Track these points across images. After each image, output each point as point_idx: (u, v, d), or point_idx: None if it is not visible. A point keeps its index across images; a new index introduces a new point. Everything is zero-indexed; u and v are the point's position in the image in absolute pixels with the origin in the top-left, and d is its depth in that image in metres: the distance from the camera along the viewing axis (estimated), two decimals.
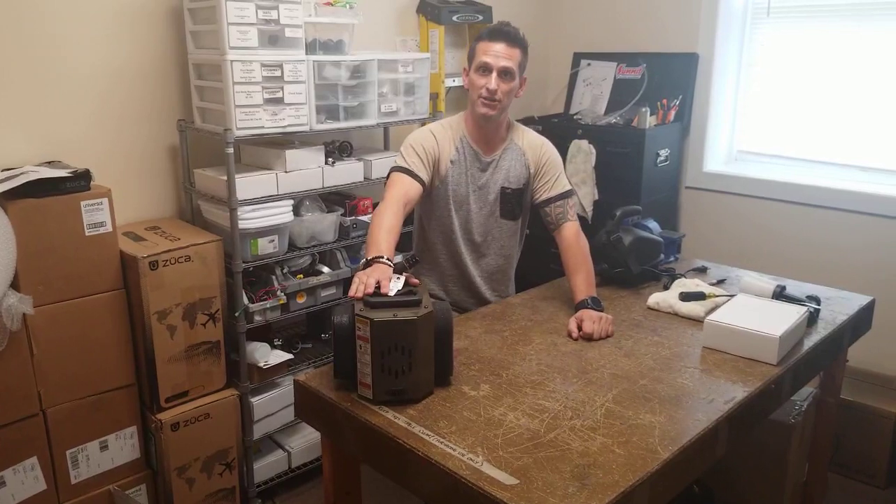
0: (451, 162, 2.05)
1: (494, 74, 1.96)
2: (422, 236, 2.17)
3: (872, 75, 2.83)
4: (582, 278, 1.99)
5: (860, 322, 2.10)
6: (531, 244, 2.29)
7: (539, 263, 2.26)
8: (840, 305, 2.07)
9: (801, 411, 2.10)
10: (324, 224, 2.49)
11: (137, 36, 2.30)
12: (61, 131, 2.21)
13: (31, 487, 2.02)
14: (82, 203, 1.97)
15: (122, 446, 2.20)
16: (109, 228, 2.04)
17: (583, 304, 1.92)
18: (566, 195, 2.12)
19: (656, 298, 2.05)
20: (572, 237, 2.07)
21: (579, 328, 1.83)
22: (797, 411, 2.09)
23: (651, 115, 3.04)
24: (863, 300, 2.13)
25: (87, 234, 2.00)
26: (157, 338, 2.13)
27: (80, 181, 1.98)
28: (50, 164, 2.12)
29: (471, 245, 2.12)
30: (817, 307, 1.96)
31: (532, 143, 2.14)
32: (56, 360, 2.00)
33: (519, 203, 2.14)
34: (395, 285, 1.53)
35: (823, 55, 2.94)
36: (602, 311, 1.90)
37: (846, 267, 2.83)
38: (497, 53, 1.96)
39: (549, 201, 2.11)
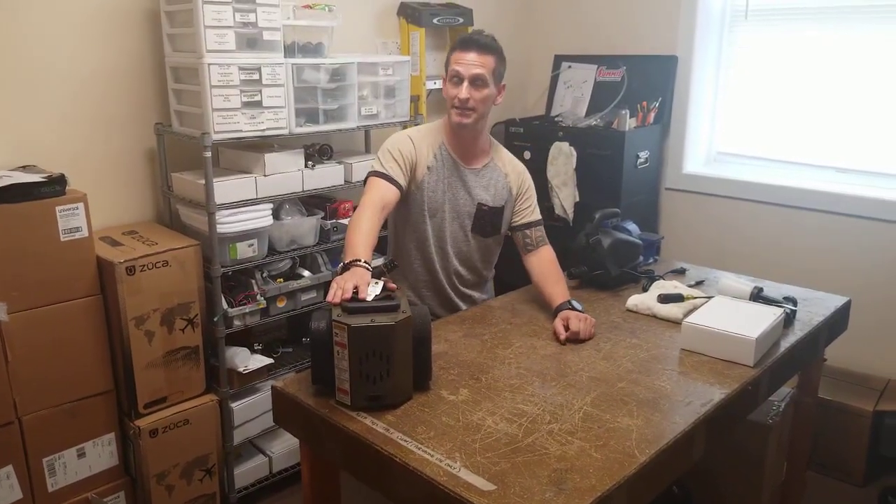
0: (428, 168, 2.05)
1: (466, 83, 1.96)
2: (397, 242, 2.17)
3: (849, 77, 2.86)
4: (561, 288, 2.01)
5: (837, 322, 2.12)
6: (511, 248, 2.29)
7: (519, 267, 2.26)
8: (816, 306, 2.09)
9: (779, 412, 2.12)
10: (304, 227, 2.48)
11: (114, 39, 2.28)
12: (36, 135, 2.18)
13: (7, 496, 1.99)
14: (57, 208, 1.95)
15: (100, 453, 2.17)
16: (85, 233, 2.02)
17: (564, 306, 1.92)
18: (542, 222, 2.20)
19: (635, 300, 2.05)
20: (552, 257, 2.13)
21: (566, 329, 1.84)
22: (775, 412, 2.11)
23: (631, 117, 3.06)
24: (839, 301, 2.15)
25: (62, 239, 1.98)
26: (134, 343, 2.12)
27: (54, 186, 1.96)
28: (24, 168, 2.09)
29: (441, 253, 2.12)
30: (794, 308, 1.98)
31: (514, 168, 2.19)
32: (32, 367, 1.98)
33: (492, 222, 2.15)
34: (372, 290, 1.53)
35: (801, 57, 2.97)
36: (583, 312, 1.91)
37: (823, 267, 2.86)
38: (468, 62, 1.96)
39: (530, 225, 2.16)
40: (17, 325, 1.93)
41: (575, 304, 1.92)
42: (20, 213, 1.89)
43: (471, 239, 2.15)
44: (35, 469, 2.04)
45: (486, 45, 1.98)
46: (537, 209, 2.21)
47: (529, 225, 2.16)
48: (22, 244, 1.91)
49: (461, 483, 1.24)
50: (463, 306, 2.18)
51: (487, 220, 2.14)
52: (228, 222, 2.25)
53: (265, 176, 2.33)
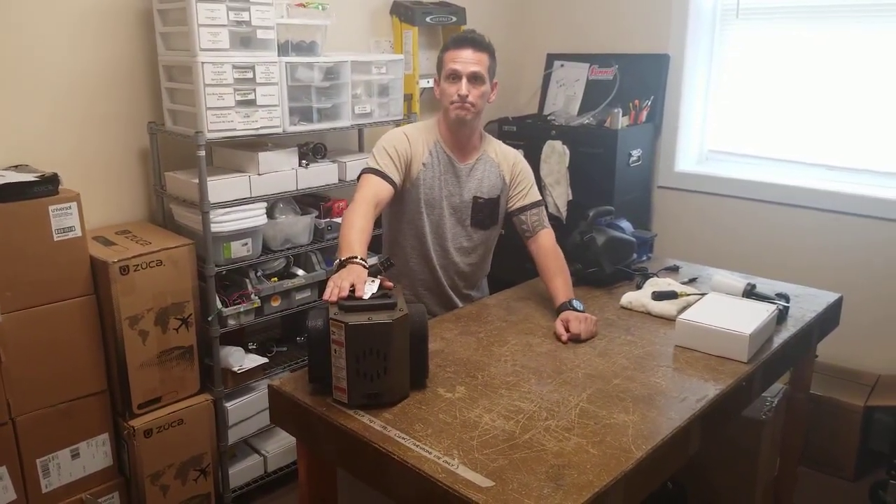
0: (424, 165, 2.05)
1: (464, 80, 1.97)
2: (392, 240, 2.17)
3: (839, 75, 2.88)
4: (562, 282, 2.01)
5: (828, 319, 2.14)
6: (505, 245, 2.29)
7: (513, 264, 2.27)
8: (809, 303, 2.11)
9: (772, 407, 2.13)
10: (298, 226, 2.47)
11: (106, 37, 2.27)
12: (28, 135, 2.17)
13: (1, 497, 1.98)
14: (50, 208, 1.94)
15: (94, 454, 2.17)
16: (79, 233, 2.01)
17: (565, 307, 1.93)
18: (539, 204, 2.17)
19: (629, 298, 2.07)
20: (550, 243, 2.11)
21: (566, 330, 1.84)
22: (768, 407, 2.12)
23: (623, 115, 3.07)
24: (830, 297, 2.16)
25: (55, 239, 1.97)
26: (128, 343, 2.11)
27: (47, 185, 1.95)
28: (17, 167, 2.08)
29: (441, 250, 2.13)
30: (786, 305, 2.00)
31: (506, 156, 2.18)
32: (25, 367, 1.97)
33: (490, 214, 2.15)
34: (369, 288, 1.53)
35: (791, 56, 2.99)
36: (584, 312, 1.92)
37: (815, 264, 2.88)
38: (465, 59, 1.97)
39: (524, 209, 2.15)
40: (11, 325, 1.92)
41: (576, 303, 1.93)
42: (13, 213, 1.88)
43: (472, 234, 2.15)
44: (29, 470, 2.03)
45: (479, 42, 1.99)
46: (533, 192, 2.17)
47: (524, 209, 2.14)
48: (15, 244, 1.90)
49: (459, 480, 1.24)
50: (461, 305, 2.18)
51: (486, 212, 2.14)
52: (222, 221, 2.24)
53: (259, 175, 2.33)
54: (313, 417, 1.49)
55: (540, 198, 2.19)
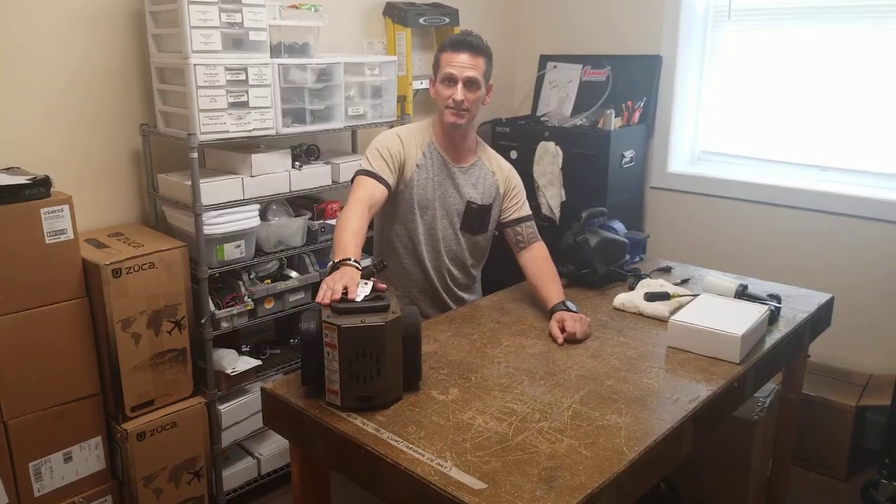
0: (417, 166, 2.05)
1: (460, 85, 1.97)
2: (385, 241, 2.17)
3: (832, 76, 2.90)
4: (555, 288, 2.02)
5: (820, 319, 2.15)
6: (500, 247, 2.30)
7: (507, 265, 2.27)
8: (800, 303, 2.12)
9: (765, 407, 2.15)
10: (291, 228, 2.47)
11: (98, 39, 2.27)
12: (19, 137, 2.16)
13: None
14: (42, 210, 1.94)
15: (87, 457, 2.16)
16: (71, 236, 2.00)
17: (559, 307, 1.93)
18: (532, 217, 2.20)
19: (622, 299, 2.07)
20: (545, 254, 2.13)
21: (562, 330, 1.85)
22: (760, 408, 2.14)
23: (616, 116, 3.08)
24: (822, 298, 2.17)
25: (47, 241, 1.96)
26: (121, 346, 2.10)
27: (39, 188, 1.94)
28: (8, 170, 2.07)
29: (433, 251, 2.13)
30: (778, 305, 2.01)
31: (501, 166, 2.20)
32: (17, 370, 1.96)
33: (479, 220, 2.15)
34: (362, 291, 1.53)
35: (783, 57, 3.01)
36: (578, 312, 1.92)
37: (806, 265, 2.89)
38: (461, 64, 1.97)
39: (520, 220, 2.17)
40: (2, 328, 1.91)
41: (569, 304, 1.93)
42: (4, 216, 1.87)
43: (460, 237, 2.15)
44: (21, 474, 2.02)
45: (477, 46, 1.99)
46: (527, 206, 2.21)
47: (519, 221, 2.16)
48: (6, 247, 1.89)
49: (452, 482, 1.24)
50: (454, 307, 2.18)
51: (476, 217, 2.15)
52: (215, 223, 2.24)
53: (252, 177, 2.32)
54: (306, 420, 1.49)
55: (531, 212, 2.21)
